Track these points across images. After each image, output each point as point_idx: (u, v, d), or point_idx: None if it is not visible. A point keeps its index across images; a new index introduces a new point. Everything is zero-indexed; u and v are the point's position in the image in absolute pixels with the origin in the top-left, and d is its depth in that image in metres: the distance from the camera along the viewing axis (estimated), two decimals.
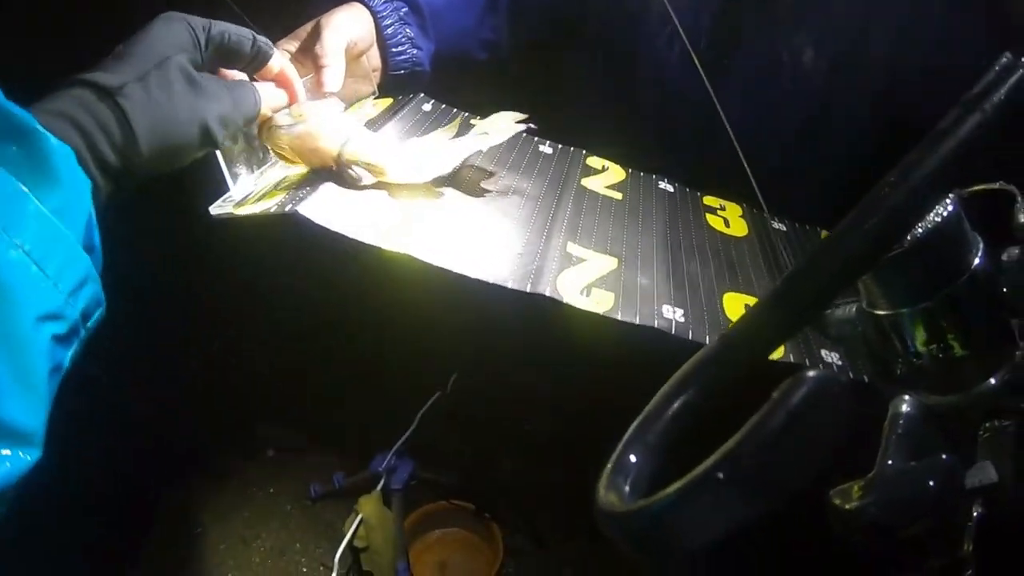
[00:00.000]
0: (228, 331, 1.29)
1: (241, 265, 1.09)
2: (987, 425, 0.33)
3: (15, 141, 0.37)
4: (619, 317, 0.53)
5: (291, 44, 0.67)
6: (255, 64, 0.55)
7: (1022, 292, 0.33)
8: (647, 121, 0.90)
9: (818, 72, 0.80)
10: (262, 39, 0.55)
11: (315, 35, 0.66)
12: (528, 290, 0.53)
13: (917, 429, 0.33)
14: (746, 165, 0.64)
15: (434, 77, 0.80)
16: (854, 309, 0.40)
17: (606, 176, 0.73)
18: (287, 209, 0.53)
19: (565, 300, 0.53)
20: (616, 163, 0.76)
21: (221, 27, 0.51)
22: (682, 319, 0.55)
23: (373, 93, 0.74)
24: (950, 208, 0.34)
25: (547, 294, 0.53)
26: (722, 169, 0.80)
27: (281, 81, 0.57)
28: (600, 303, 0.54)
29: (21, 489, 0.35)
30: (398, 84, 0.77)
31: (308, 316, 1.24)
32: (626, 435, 0.30)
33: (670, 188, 0.75)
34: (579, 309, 0.53)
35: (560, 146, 0.76)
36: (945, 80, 0.79)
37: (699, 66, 0.67)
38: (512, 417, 1.21)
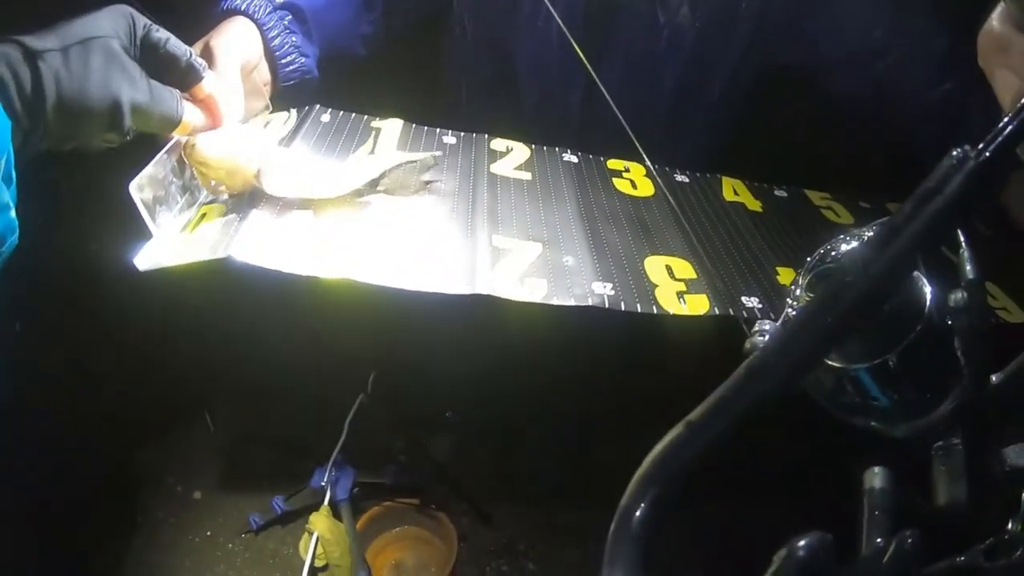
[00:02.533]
0: (122, 378, 1.25)
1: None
2: (938, 444, 0.37)
3: None
4: (555, 302, 0.59)
5: None
6: (187, 81, 0.58)
7: (967, 335, 0.35)
8: (531, 100, 0.95)
9: (692, 29, 0.88)
10: (199, 60, 0.59)
11: (207, 58, 0.65)
12: (468, 292, 0.58)
13: (892, 503, 0.35)
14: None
15: (321, 81, 0.82)
16: None
17: (512, 157, 0.78)
18: (219, 254, 0.55)
19: (503, 295, 0.58)
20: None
21: (163, 33, 0.56)
22: (612, 292, 0.61)
23: (267, 107, 0.74)
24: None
25: (486, 292, 0.58)
26: (613, 135, 0.88)
27: (208, 105, 0.61)
28: (535, 291, 0.59)
29: None
30: (289, 94, 0.78)
31: (209, 349, 1.22)
32: (606, 553, 0.32)
33: (574, 159, 0.81)
34: (518, 301, 0.58)
35: (462, 133, 0.80)
36: (806, 30, 0.90)
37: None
38: (433, 407, 1.25)
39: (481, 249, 0.62)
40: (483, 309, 0.61)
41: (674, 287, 0.64)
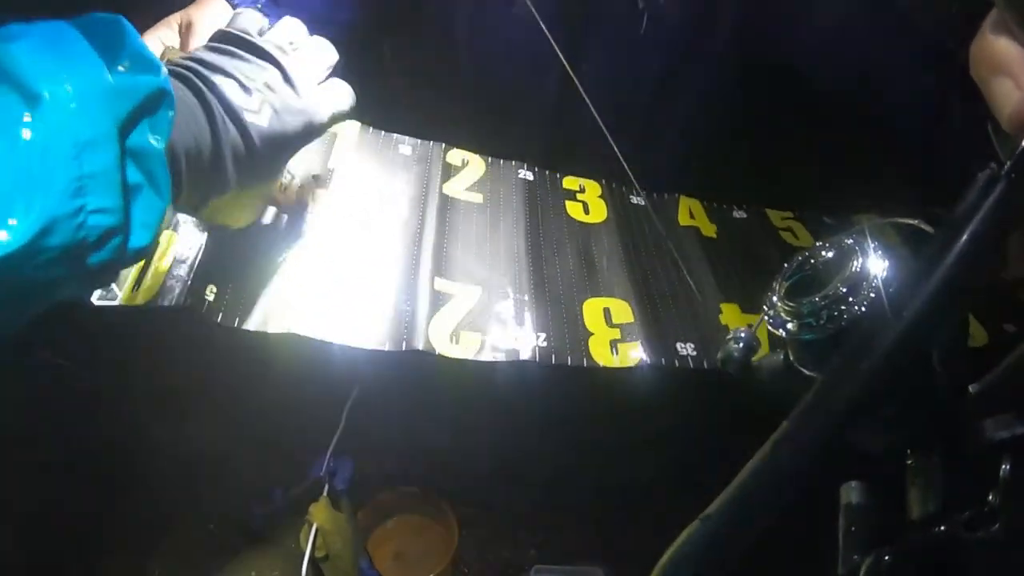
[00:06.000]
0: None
1: None
2: (913, 456, 0.37)
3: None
4: (487, 358, 0.65)
5: (172, 37, 0.70)
6: None
7: (944, 347, 0.36)
8: (503, 90, 0.97)
9: (674, 16, 0.90)
10: None
11: (188, 32, 0.70)
12: (403, 348, 0.63)
13: (869, 518, 0.37)
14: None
15: None
16: (782, 359, 0.45)
17: (467, 173, 0.81)
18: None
19: (437, 351, 0.64)
20: (476, 152, 0.84)
21: None
22: (544, 343, 0.67)
23: None
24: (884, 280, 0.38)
25: (420, 348, 0.64)
26: (584, 140, 0.91)
27: None
28: (468, 347, 0.65)
29: None
30: None
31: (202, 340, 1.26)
32: None
33: (530, 176, 0.84)
34: (449, 358, 0.64)
35: (419, 142, 0.83)
36: (789, 15, 0.91)
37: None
38: (434, 391, 1.28)
39: (422, 294, 0.67)
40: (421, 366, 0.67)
41: (609, 335, 0.70)
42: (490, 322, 0.68)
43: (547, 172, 0.85)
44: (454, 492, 1.32)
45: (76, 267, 0.40)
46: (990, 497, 0.33)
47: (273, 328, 0.62)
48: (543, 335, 0.68)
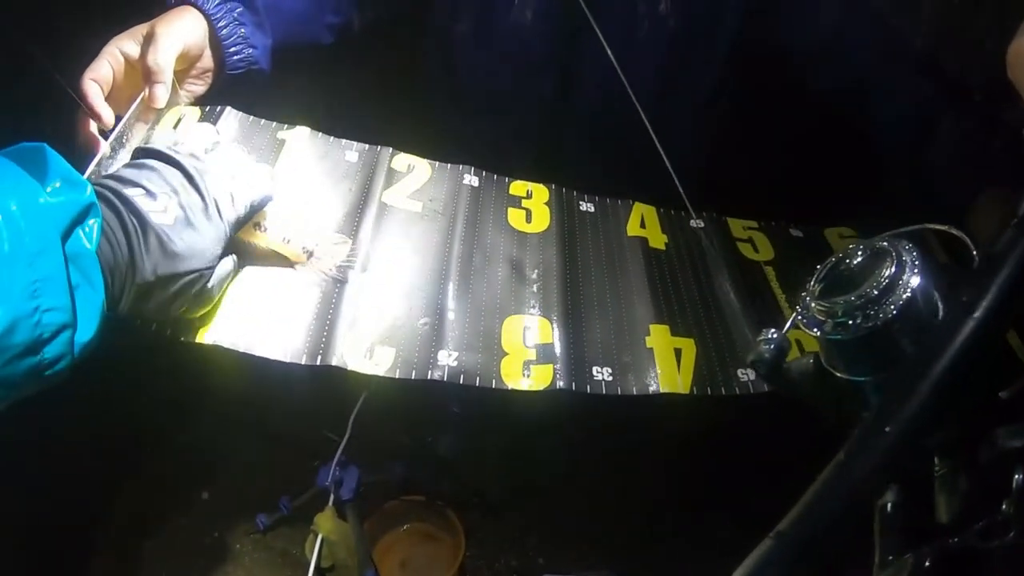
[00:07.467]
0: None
1: None
2: (943, 460, 0.38)
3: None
4: (397, 375, 0.68)
5: (132, 47, 0.75)
6: None
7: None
8: (504, 98, 1.00)
9: (673, 20, 0.90)
10: None
11: (149, 42, 0.75)
12: (318, 362, 0.66)
13: (904, 519, 0.37)
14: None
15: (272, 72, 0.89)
16: (812, 362, 0.46)
17: (409, 180, 0.83)
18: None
19: (349, 367, 0.67)
20: (427, 158, 0.85)
21: None
22: (455, 363, 0.69)
23: (202, 93, 0.83)
24: (918, 282, 0.40)
25: (333, 363, 0.67)
26: (578, 152, 0.91)
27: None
28: (381, 362, 0.68)
29: None
30: (236, 84, 0.85)
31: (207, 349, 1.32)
32: None
33: (475, 181, 0.85)
34: (362, 374, 0.68)
35: (367, 147, 0.84)
36: (788, 20, 0.89)
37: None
38: (438, 402, 1.30)
39: (346, 307, 0.70)
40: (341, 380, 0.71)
41: (524, 355, 0.71)
42: (407, 337, 0.70)
43: (494, 177, 0.86)
44: (461, 500, 1.34)
45: (32, 361, 0.48)
46: (1004, 506, 0.33)
47: (201, 339, 0.66)
48: (456, 353, 0.70)
